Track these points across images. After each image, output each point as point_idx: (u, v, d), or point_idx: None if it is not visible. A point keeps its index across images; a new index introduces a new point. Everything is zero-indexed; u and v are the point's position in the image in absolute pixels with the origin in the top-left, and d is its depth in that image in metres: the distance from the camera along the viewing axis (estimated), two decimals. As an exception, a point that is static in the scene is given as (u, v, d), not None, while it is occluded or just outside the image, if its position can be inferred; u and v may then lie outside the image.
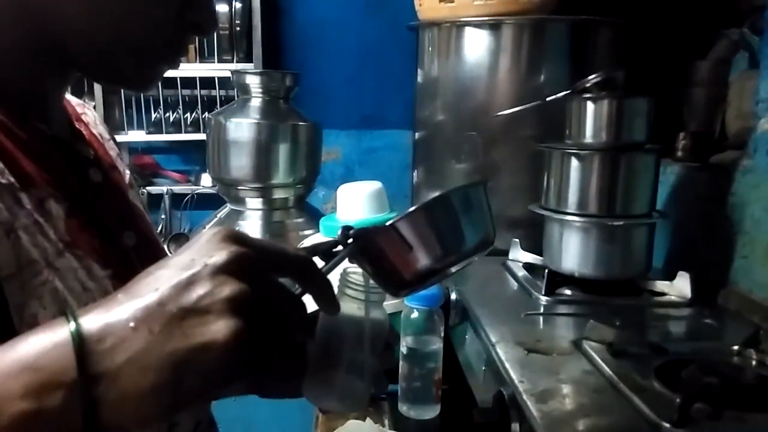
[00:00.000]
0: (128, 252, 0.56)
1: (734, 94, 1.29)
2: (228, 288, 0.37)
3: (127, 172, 0.66)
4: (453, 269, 0.56)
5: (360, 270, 0.57)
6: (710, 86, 1.37)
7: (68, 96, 0.62)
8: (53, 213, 0.49)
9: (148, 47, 0.52)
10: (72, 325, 0.35)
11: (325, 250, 0.51)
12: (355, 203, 1.19)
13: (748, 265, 1.05)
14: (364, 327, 0.58)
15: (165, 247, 0.66)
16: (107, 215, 0.55)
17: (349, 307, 0.57)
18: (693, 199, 1.24)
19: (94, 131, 0.63)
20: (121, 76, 0.54)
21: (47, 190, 0.49)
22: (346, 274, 0.58)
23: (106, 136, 0.66)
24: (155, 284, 0.37)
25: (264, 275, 0.40)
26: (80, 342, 0.35)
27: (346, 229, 0.51)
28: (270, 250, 0.42)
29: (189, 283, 0.37)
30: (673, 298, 1.06)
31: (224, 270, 0.38)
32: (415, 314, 1.05)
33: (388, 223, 0.51)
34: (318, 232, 1.25)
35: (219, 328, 0.36)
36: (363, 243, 0.51)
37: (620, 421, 0.68)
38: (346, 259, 0.53)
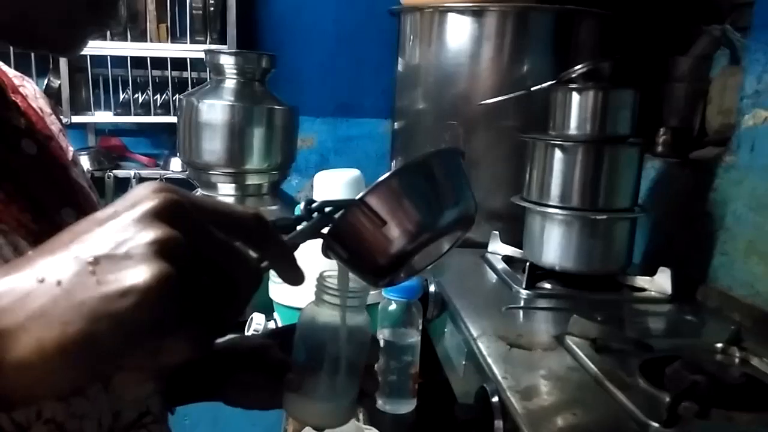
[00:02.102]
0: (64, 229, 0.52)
1: (715, 90, 1.29)
2: (153, 232, 0.31)
3: (71, 148, 0.62)
4: (431, 259, 0.52)
5: (337, 274, 0.52)
6: (691, 82, 1.37)
7: (5, 67, 0.58)
8: None
9: (72, 7, 0.48)
10: None
11: (285, 226, 0.45)
12: (333, 191, 1.15)
13: (729, 262, 1.05)
14: (343, 335, 0.54)
15: None
16: (41, 189, 0.51)
17: (328, 314, 0.54)
18: (673, 194, 1.23)
19: (33, 104, 0.59)
20: (42, 39, 0.49)
21: None
22: (322, 278, 0.54)
23: (47, 110, 0.61)
24: (69, 237, 0.32)
25: (202, 227, 0.34)
26: None
27: (309, 202, 0.46)
28: (211, 203, 0.36)
29: (107, 230, 0.32)
30: (653, 293, 1.05)
31: (150, 215, 0.32)
32: (392, 306, 1.02)
33: (357, 196, 0.46)
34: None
35: (139, 272, 0.30)
36: (328, 216, 0.46)
37: (607, 419, 0.66)
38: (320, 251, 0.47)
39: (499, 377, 0.73)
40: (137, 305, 0.30)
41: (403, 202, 0.46)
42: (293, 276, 0.41)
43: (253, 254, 0.38)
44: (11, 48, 0.74)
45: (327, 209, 0.46)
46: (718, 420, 0.65)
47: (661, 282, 1.05)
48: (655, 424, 0.63)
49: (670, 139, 1.33)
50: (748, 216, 1.01)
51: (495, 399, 0.70)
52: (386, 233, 0.46)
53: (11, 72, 0.60)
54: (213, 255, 0.34)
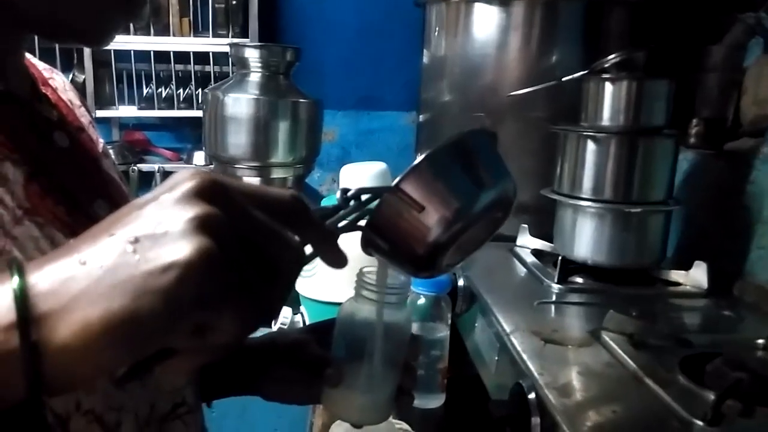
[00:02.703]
0: (99, 221, 0.52)
1: (750, 79, 1.25)
2: (192, 209, 0.31)
3: (101, 140, 0.62)
4: (471, 247, 0.51)
5: (376, 269, 0.52)
6: (724, 72, 1.33)
7: (35, 60, 0.58)
8: (10, 177, 0.44)
9: None
10: (13, 272, 0.31)
11: (324, 216, 0.44)
12: (359, 184, 1.14)
13: (767, 256, 1.02)
14: (383, 331, 0.53)
15: None
16: (74, 182, 0.51)
17: (367, 310, 0.54)
18: (707, 186, 1.20)
19: (63, 96, 0.59)
20: (73, 30, 0.49)
21: (2, 151, 0.45)
22: (362, 274, 0.54)
23: (77, 102, 0.61)
24: (110, 222, 0.33)
25: (242, 207, 0.33)
26: (21, 285, 0.30)
27: (345, 191, 0.45)
28: (249, 184, 0.36)
29: (147, 212, 0.32)
30: (688, 288, 1.03)
31: (189, 195, 0.32)
32: (421, 300, 1.01)
33: (393, 182, 0.45)
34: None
35: (180, 247, 0.30)
36: (365, 205, 0.45)
37: (648, 417, 0.65)
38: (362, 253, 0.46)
39: (536, 373, 0.71)
40: (179, 280, 0.30)
41: (440, 185, 0.45)
42: (336, 258, 0.40)
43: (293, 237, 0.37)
44: (36, 41, 0.74)
45: (364, 197, 0.45)
46: (762, 418, 0.63)
47: (696, 276, 1.02)
48: (699, 423, 0.61)
49: (703, 131, 1.29)
50: (788, 209, 0.98)
51: (532, 395, 0.69)
52: (425, 220, 0.45)
53: (41, 65, 0.60)
54: (253, 235, 0.34)
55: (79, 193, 0.51)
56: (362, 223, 0.46)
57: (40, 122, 0.51)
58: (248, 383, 0.66)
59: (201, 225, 0.31)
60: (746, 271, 1.05)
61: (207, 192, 0.32)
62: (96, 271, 0.30)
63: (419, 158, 0.45)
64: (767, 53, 1.27)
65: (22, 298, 0.30)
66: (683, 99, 1.34)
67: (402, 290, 0.55)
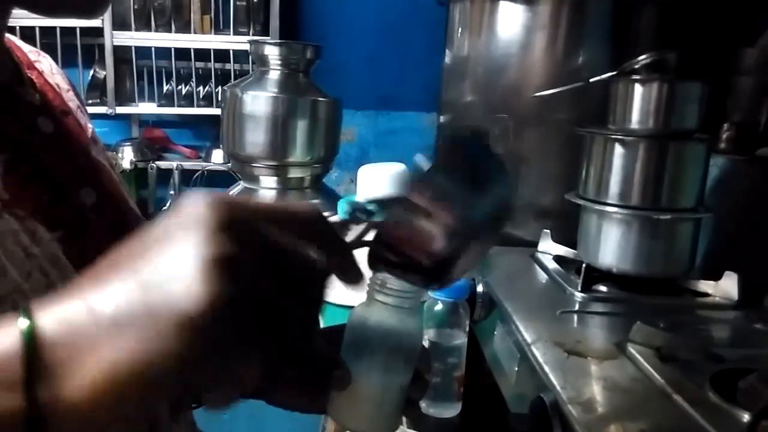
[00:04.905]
0: (85, 211, 0.50)
1: (786, 83, 1.21)
2: (207, 247, 0.28)
3: (90, 126, 0.59)
4: (478, 254, 0.49)
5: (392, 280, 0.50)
6: (757, 75, 1.29)
7: (20, 43, 0.56)
8: None
9: None
10: (23, 320, 0.28)
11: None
12: (377, 184, 1.11)
13: (801, 268, 0.98)
14: (394, 337, 0.51)
15: (134, 205, 0.59)
16: (59, 168, 0.49)
17: (380, 315, 0.51)
18: (737, 193, 1.16)
19: (50, 80, 0.56)
20: (63, 1, 0.46)
21: None
22: (375, 277, 0.51)
23: (65, 86, 0.59)
24: (117, 260, 0.30)
25: (262, 233, 0.31)
26: (30, 330, 0.27)
27: (352, 204, 0.42)
28: (268, 203, 0.33)
29: (157, 251, 0.29)
30: (717, 299, 0.99)
31: (204, 228, 0.29)
32: (438, 306, 0.98)
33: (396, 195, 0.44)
34: (335, 214, 1.18)
35: (194, 294, 0.27)
36: (371, 213, 0.43)
37: (679, 438, 0.61)
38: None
39: (558, 387, 0.68)
40: (192, 333, 0.27)
41: (444, 193, 0.44)
42: (354, 275, 0.39)
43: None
44: (58, 37, 0.72)
45: (369, 207, 0.44)
46: (801, 442, 0.60)
47: (726, 287, 0.98)
48: (734, 446, 0.57)
49: (734, 135, 1.25)
50: (825, 218, 0.94)
51: (553, 410, 0.66)
52: (432, 229, 0.43)
53: (26, 47, 0.57)
54: (279, 262, 0.31)
55: (65, 179, 0.49)
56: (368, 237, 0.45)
57: (22, 107, 0.49)
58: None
59: (217, 266, 0.28)
60: (779, 283, 1.01)
61: (224, 223, 0.29)
62: (103, 321, 0.28)
63: (419, 170, 0.44)
64: (803, 56, 1.23)
65: (31, 347, 0.27)
66: (714, 102, 1.30)
67: (416, 295, 0.52)
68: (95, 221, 0.50)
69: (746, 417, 0.63)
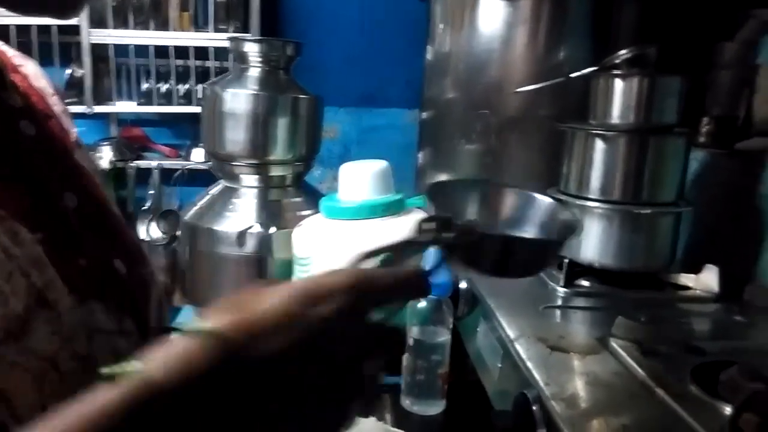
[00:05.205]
0: (67, 214, 0.49)
1: (763, 77, 1.22)
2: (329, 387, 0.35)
3: (74, 130, 0.59)
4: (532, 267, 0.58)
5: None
6: (736, 69, 1.30)
7: (5, 47, 0.55)
8: None
9: None
10: None
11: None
12: (360, 183, 1.11)
13: (780, 260, 0.99)
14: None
15: (116, 210, 0.58)
16: (41, 172, 0.48)
17: None
18: (717, 187, 1.17)
19: (35, 84, 0.55)
20: (40, 1, 0.46)
21: None
22: None
23: (50, 90, 0.58)
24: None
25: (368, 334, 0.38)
26: None
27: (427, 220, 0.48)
28: (379, 285, 0.39)
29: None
30: (698, 292, 0.99)
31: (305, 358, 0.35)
32: (422, 304, 0.98)
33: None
34: (317, 212, 1.17)
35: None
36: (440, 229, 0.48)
37: (660, 431, 0.61)
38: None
39: (542, 383, 0.68)
40: None
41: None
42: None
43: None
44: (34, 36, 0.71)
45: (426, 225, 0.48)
46: (782, 434, 0.60)
47: (707, 280, 0.99)
48: (716, 439, 0.57)
49: (713, 129, 1.26)
50: (803, 211, 0.95)
51: (537, 407, 0.66)
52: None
53: (11, 52, 0.56)
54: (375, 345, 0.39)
55: (47, 182, 0.48)
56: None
57: (4, 110, 0.48)
58: None
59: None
60: (758, 275, 1.02)
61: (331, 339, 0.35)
62: None
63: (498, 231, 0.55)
64: (780, 50, 1.24)
65: None
66: (693, 97, 1.31)
67: None
68: (77, 225, 0.49)
69: (728, 410, 0.63)
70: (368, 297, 0.38)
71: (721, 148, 1.22)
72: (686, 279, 1.02)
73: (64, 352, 0.40)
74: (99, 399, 0.30)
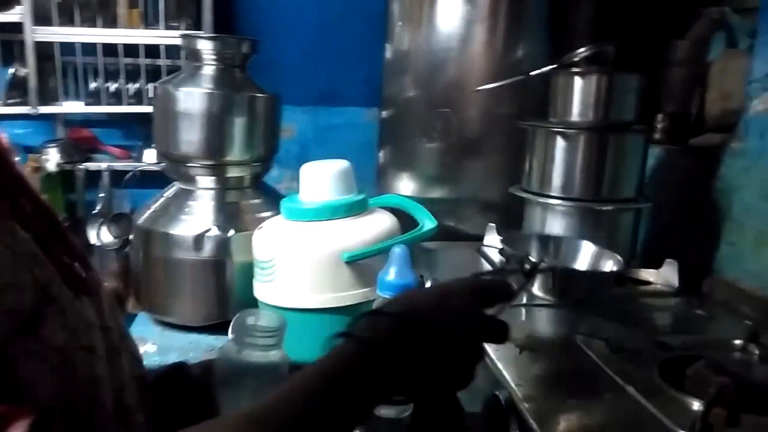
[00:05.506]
0: (28, 219, 0.49)
1: (715, 74, 1.25)
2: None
3: (4, 134, 0.57)
4: None
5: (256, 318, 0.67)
6: (688, 66, 1.32)
7: None
8: None
9: None
10: None
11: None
12: (321, 183, 1.08)
13: (736, 253, 1.01)
14: (262, 370, 0.64)
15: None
16: (2, 179, 0.48)
17: (248, 354, 0.64)
18: (673, 183, 1.19)
19: None
20: None
21: None
22: (242, 321, 0.65)
23: None
24: None
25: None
26: None
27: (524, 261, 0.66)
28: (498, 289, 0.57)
29: None
30: (659, 287, 1.01)
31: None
32: (388, 305, 0.96)
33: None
34: (277, 213, 1.14)
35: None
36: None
37: (635, 430, 0.61)
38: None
39: (513, 384, 0.67)
40: None
41: None
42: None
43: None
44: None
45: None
46: (749, 427, 0.61)
47: (667, 275, 1.01)
48: (687, 435, 0.58)
49: (668, 126, 1.28)
50: (758, 205, 0.97)
51: (509, 408, 0.65)
52: None
53: None
54: None
55: (7, 188, 0.48)
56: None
57: None
58: None
59: None
60: (715, 268, 1.04)
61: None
62: None
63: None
64: (731, 48, 1.27)
65: None
66: (648, 94, 1.33)
67: (277, 333, 0.66)
68: (37, 228, 0.48)
69: (695, 404, 0.64)
70: (483, 297, 0.55)
71: (676, 144, 1.24)
72: (647, 274, 1.03)
73: (72, 343, 0.42)
74: (339, 351, 0.47)
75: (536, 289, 0.74)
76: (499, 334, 0.55)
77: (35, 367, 0.39)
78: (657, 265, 1.02)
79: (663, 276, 1.01)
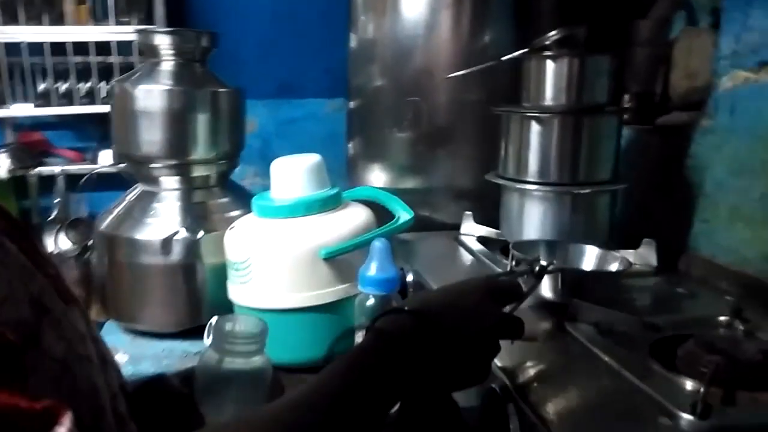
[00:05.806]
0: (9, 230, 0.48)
1: (680, 53, 1.25)
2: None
3: None
4: None
5: (235, 324, 0.69)
6: (651, 46, 1.33)
7: None
8: None
9: None
10: None
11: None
12: (293, 179, 1.05)
13: (710, 230, 1.02)
14: (244, 376, 0.65)
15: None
16: None
17: (230, 362, 0.65)
18: (644, 162, 1.20)
19: None
20: None
21: None
22: (219, 326, 0.66)
23: None
24: None
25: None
26: None
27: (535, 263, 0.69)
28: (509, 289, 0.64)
29: None
30: (638, 267, 1.01)
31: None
32: (370, 301, 0.94)
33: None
34: (247, 212, 1.11)
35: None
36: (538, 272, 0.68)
37: (634, 412, 0.61)
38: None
39: (506, 375, 0.66)
40: None
41: None
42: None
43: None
44: None
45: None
46: (745, 404, 0.61)
47: (645, 254, 1.01)
48: (689, 417, 0.57)
49: (635, 106, 1.29)
50: (730, 181, 0.98)
51: (507, 399, 0.64)
52: None
53: None
54: None
55: None
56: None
57: None
58: None
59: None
60: (691, 246, 1.05)
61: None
62: None
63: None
64: (691, 26, 1.28)
65: None
66: (615, 75, 1.34)
67: (258, 339, 0.67)
68: (18, 240, 0.47)
69: (689, 383, 0.64)
70: (496, 295, 0.58)
71: (643, 124, 1.25)
72: (626, 255, 1.03)
73: (70, 354, 0.42)
74: (360, 345, 0.54)
75: (545, 290, 0.75)
76: (515, 329, 0.58)
77: (39, 380, 0.38)
78: (636, 245, 1.03)
79: (641, 256, 1.01)
